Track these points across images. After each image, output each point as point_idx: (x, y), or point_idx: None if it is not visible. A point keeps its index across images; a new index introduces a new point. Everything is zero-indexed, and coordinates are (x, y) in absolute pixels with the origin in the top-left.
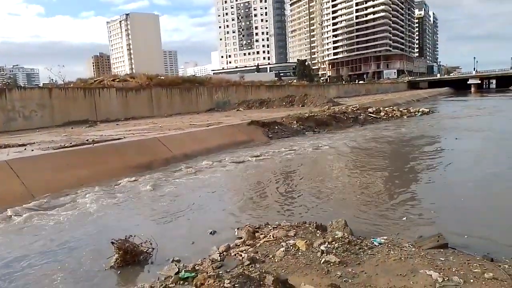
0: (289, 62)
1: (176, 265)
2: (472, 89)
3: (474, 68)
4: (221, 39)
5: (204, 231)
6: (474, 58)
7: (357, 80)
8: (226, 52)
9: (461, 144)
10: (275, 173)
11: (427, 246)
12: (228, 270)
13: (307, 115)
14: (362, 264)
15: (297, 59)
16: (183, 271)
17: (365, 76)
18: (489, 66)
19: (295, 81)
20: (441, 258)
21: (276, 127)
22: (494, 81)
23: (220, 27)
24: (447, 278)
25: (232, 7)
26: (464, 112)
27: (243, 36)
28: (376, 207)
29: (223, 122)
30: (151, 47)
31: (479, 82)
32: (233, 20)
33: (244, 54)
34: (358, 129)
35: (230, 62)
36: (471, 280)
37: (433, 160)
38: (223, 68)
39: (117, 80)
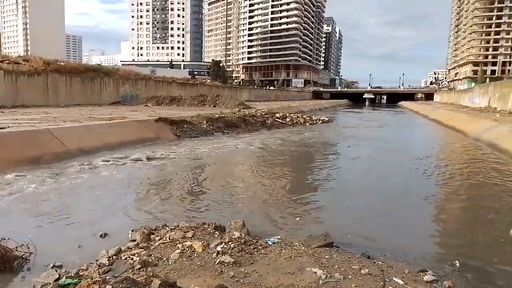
0: (204, 62)
1: (56, 271)
2: (367, 103)
3: (370, 84)
4: (133, 29)
5: (94, 234)
6: (370, 75)
7: (268, 86)
8: (138, 43)
9: (353, 151)
10: (180, 172)
11: (315, 245)
12: (116, 275)
13: (217, 116)
14: (255, 263)
15: (212, 59)
16: (64, 277)
17: (275, 82)
18: (383, 83)
19: (208, 81)
20: (326, 256)
21: (186, 126)
22: (385, 97)
23: (133, 16)
24: (330, 275)
25: None
26: (358, 123)
27: (157, 29)
28: (275, 208)
29: (128, 117)
30: (52, 28)
31: (373, 96)
32: (147, 11)
33: (158, 48)
34: (265, 132)
35: (141, 55)
36: (350, 276)
37: (328, 165)
38: (133, 60)
39: (7, 61)
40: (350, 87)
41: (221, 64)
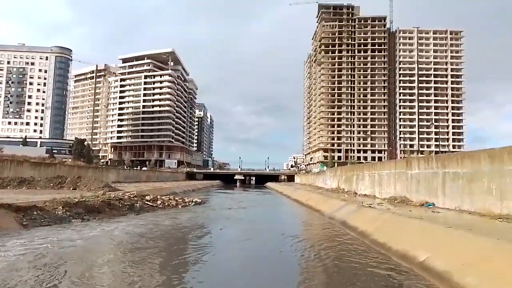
0: (66, 139)
1: None
2: (238, 183)
3: (240, 166)
4: None
5: None
6: (240, 157)
7: (139, 166)
8: None
9: (225, 233)
10: (17, 271)
11: None
12: None
13: (76, 200)
14: None
15: (75, 137)
16: None
17: (147, 162)
18: (251, 165)
19: (69, 160)
20: None
21: (35, 213)
22: (254, 178)
23: None
24: None
25: (1, 69)
26: (230, 203)
27: (10, 102)
28: None
29: None
30: None
31: (243, 178)
32: (0, 83)
33: (9, 123)
34: (133, 217)
35: None
36: None
37: (199, 249)
38: None
39: None
40: (222, 169)
41: (85, 143)
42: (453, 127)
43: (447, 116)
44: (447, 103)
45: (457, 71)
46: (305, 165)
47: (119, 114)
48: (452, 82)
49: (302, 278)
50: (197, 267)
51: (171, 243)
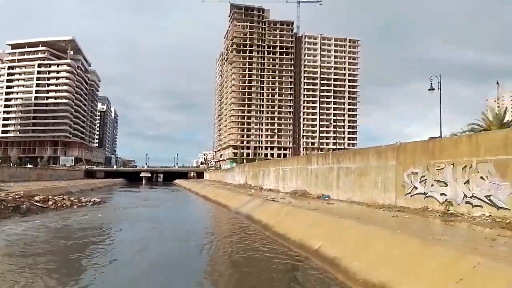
0: None
1: None
2: (144, 181)
3: (146, 163)
4: None
5: None
6: (147, 154)
7: (28, 164)
8: None
9: (125, 234)
10: None
11: None
12: None
13: None
14: None
15: None
16: None
17: (39, 160)
18: (159, 162)
19: None
20: None
21: None
22: (162, 175)
23: None
24: None
25: None
26: (134, 203)
27: None
28: None
29: None
30: None
31: (150, 175)
32: None
33: None
34: (17, 221)
35: None
36: None
37: (97, 252)
38: None
39: None
40: (127, 166)
41: None
42: (349, 127)
43: (344, 117)
44: (344, 105)
45: (353, 76)
46: (215, 162)
47: (5, 106)
48: (349, 86)
49: (207, 270)
50: (90, 274)
51: (60, 248)
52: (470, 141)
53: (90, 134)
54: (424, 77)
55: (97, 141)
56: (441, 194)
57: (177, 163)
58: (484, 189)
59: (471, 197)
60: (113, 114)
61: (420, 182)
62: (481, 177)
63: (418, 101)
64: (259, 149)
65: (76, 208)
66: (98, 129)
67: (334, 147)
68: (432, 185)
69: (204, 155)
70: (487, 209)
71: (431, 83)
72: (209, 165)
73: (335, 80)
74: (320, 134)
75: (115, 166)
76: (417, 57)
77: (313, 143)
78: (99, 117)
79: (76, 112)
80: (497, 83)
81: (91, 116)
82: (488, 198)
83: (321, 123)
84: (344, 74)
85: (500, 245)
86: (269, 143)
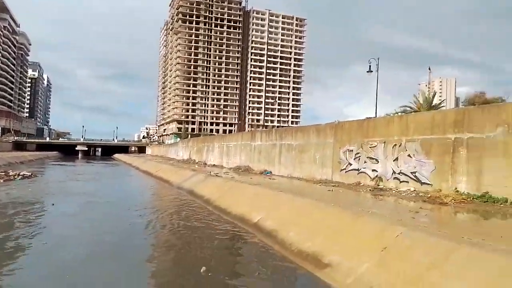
0: None
1: None
2: (80, 155)
3: (83, 136)
4: None
5: None
6: (83, 126)
7: None
8: None
9: (58, 210)
10: None
11: None
12: None
13: None
14: None
15: None
16: None
17: None
18: (97, 135)
19: None
20: None
21: None
22: (100, 149)
23: None
24: None
25: None
26: (69, 177)
27: None
28: None
29: None
30: None
31: (87, 149)
32: None
33: None
34: None
35: None
36: None
37: (25, 231)
38: None
39: None
40: (62, 138)
41: None
42: (293, 105)
43: (289, 95)
44: (289, 83)
45: (299, 55)
46: (158, 137)
47: None
48: (295, 65)
49: (145, 247)
50: (16, 257)
51: None
52: (401, 121)
53: (19, 103)
54: (364, 59)
55: (28, 110)
56: (373, 170)
57: (116, 137)
58: (411, 166)
59: (399, 173)
60: (45, 82)
61: (354, 159)
62: (409, 155)
63: (359, 82)
64: (204, 125)
65: (3, 182)
66: (28, 97)
67: (279, 124)
68: (365, 162)
69: (147, 129)
70: (412, 184)
71: (370, 66)
72: (152, 140)
73: (281, 58)
74: (266, 111)
75: (48, 138)
76: (359, 40)
77: (258, 120)
78: (29, 85)
79: (2, 78)
80: (429, 69)
81: (20, 83)
82: (414, 174)
83: (266, 100)
84: (290, 53)
85: (421, 216)
86: (214, 118)
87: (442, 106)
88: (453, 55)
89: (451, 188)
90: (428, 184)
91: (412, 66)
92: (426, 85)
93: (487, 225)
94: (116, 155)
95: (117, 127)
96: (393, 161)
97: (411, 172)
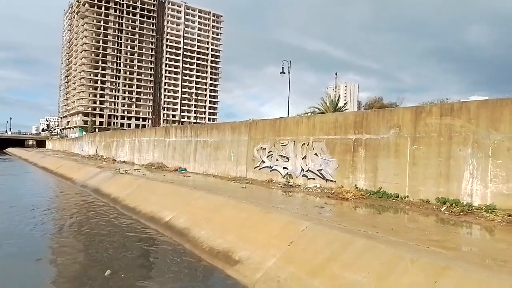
0: None
1: None
2: None
3: None
4: None
5: None
6: None
7: None
8: None
9: None
10: None
11: None
12: None
13: None
14: None
15: None
16: None
17: None
18: None
19: None
20: None
21: None
22: None
23: None
24: None
25: None
26: None
27: None
28: None
29: None
30: None
31: None
32: None
33: None
34: None
35: None
36: None
37: None
38: None
39: None
40: None
41: None
42: (210, 102)
43: (206, 91)
44: (206, 79)
45: (216, 52)
46: (61, 129)
47: None
48: (212, 62)
49: (41, 252)
50: None
51: None
52: (309, 122)
53: None
54: (279, 61)
55: None
56: (284, 167)
57: (10, 129)
58: (317, 164)
59: (307, 171)
60: None
61: (267, 157)
62: (316, 154)
63: (273, 83)
64: (114, 118)
65: None
66: None
67: (195, 120)
68: (277, 160)
69: (47, 121)
70: (318, 181)
71: (283, 67)
72: (53, 133)
73: (198, 53)
74: (182, 107)
75: None
76: (274, 43)
77: (174, 115)
78: None
79: None
80: (336, 74)
81: None
82: (320, 172)
83: (183, 95)
84: (208, 49)
85: (326, 211)
86: (126, 112)
87: (346, 109)
88: (356, 62)
89: (352, 185)
90: (332, 181)
91: (321, 70)
92: (333, 89)
93: (380, 218)
94: (10, 149)
95: (10, 118)
96: (302, 159)
97: (317, 170)
